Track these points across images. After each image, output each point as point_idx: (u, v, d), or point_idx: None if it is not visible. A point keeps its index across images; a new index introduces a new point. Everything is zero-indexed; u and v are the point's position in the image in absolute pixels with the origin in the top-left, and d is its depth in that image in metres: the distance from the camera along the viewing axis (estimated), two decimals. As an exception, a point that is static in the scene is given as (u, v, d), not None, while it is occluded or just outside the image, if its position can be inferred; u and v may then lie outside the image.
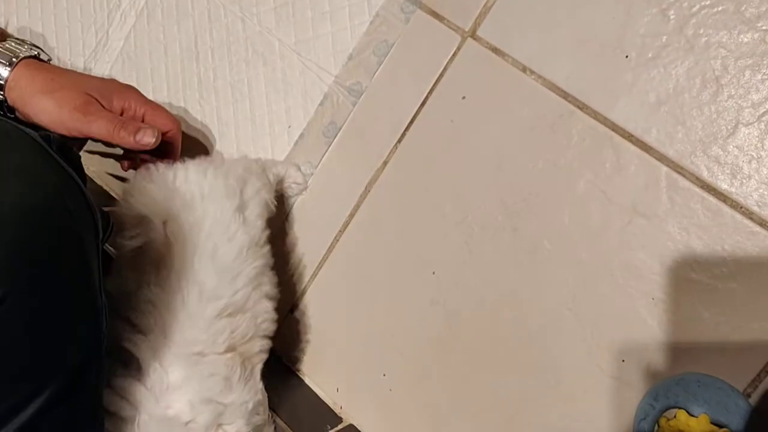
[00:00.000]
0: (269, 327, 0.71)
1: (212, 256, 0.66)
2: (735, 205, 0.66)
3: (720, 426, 0.62)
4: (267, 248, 0.73)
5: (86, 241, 0.54)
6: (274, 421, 0.74)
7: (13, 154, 0.52)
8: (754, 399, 0.64)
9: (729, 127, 0.66)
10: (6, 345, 0.48)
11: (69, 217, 0.53)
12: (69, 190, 0.54)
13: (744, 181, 0.65)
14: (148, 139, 0.71)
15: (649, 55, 0.69)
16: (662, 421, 0.65)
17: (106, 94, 0.72)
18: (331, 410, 0.82)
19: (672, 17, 0.68)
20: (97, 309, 0.56)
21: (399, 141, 0.80)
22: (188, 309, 0.64)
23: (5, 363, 0.48)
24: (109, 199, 0.94)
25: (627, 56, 0.70)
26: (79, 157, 0.63)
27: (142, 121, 0.74)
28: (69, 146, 0.60)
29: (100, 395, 0.59)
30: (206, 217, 0.67)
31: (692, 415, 0.64)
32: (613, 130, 0.70)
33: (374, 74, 0.81)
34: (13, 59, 0.69)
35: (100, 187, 0.95)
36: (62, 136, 0.66)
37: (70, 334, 0.53)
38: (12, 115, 0.70)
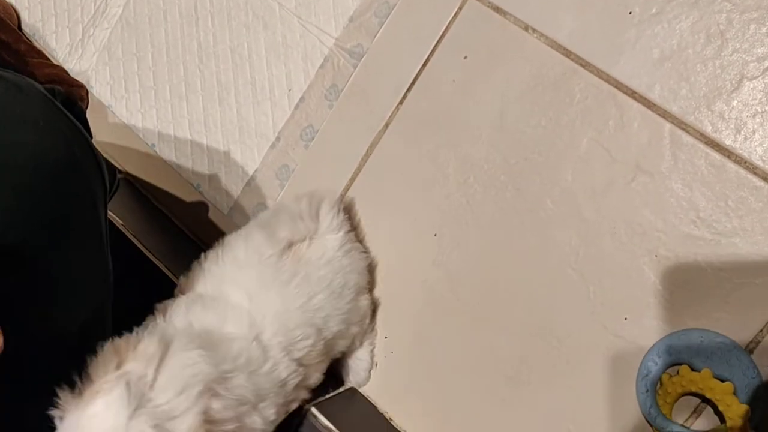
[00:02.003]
0: None
1: None
2: (739, 161, 0.65)
3: (723, 380, 0.62)
4: None
5: (96, 193, 0.54)
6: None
7: (25, 105, 0.51)
8: (756, 353, 0.64)
9: (733, 82, 0.65)
10: (21, 293, 0.47)
11: (80, 167, 0.53)
12: (78, 142, 0.54)
13: (748, 136, 0.65)
14: None
15: (653, 10, 0.68)
16: (665, 377, 0.65)
17: None
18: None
19: (676, -28, 0.67)
20: (105, 259, 0.56)
21: (400, 103, 0.79)
22: None
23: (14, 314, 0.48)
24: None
25: (630, 12, 0.69)
26: (84, 111, 0.62)
27: None
28: (74, 100, 0.59)
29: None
30: None
31: (695, 370, 0.64)
32: (616, 87, 0.70)
33: (375, 36, 0.80)
34: None
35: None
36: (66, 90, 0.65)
37: (81, 283, 0.53)
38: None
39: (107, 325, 0.58)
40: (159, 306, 0.62)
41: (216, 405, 0.52)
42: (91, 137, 0.57)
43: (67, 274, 0.51)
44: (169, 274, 0.78)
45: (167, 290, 0.77)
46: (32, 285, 0.48)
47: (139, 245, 0.80)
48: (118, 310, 0.63)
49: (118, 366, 0.49)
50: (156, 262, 0.78)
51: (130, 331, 0.56)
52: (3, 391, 0.48)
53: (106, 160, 0.57)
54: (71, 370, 0.49)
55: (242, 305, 0.61)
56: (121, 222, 0.81)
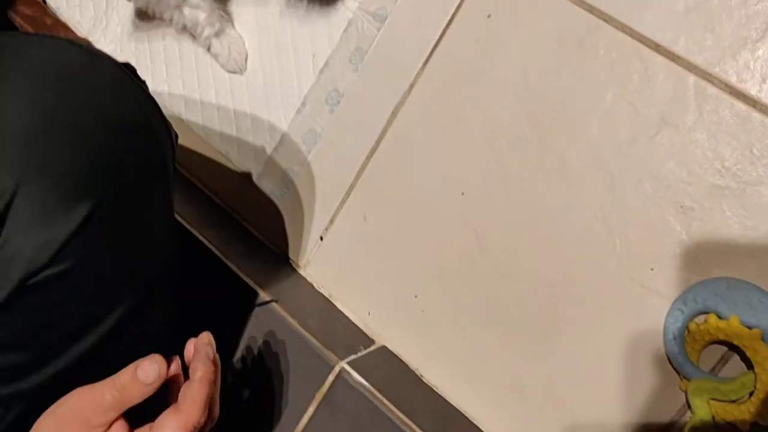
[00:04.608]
0: None
1: None
2: (765, 110, 0.66)
3: (750, 327, 0.63)
4: None
5: (167, 157, 0.56)
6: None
7: (102, 72, 0.52)
8: (784, 300, 0.64)
9: (759, 32, 0.66)
10: (90, 258, 0.49)
11: (153, 133, 0.54)
12: (150, 108, 0.55)
13: (774, 85, 0.65)
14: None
15: (677, -37, 0.69)
16: (692, 325, 0.66)
17: None
18: (363, 333, 0.84)
19: (699, -76, 0.67)
20: (174, 225, 0.57)
21: (425, 64, 0.80)
22: None
23: (87, 276, 0.49)
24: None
25: (654, -34, 0.69)
26: (146, 85, 0.63)
27: None
28: (138, 76, 0.61)
29: (172, 309, 0.61)
30: None
31: (722, 318, 0.65)
32: (640, 41, 0.70)
33: (398, -2, 0.81)
34: None
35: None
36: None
37: (152, 249, 0.54)
38: None
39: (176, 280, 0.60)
40: None
41: None
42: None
43: (148, 237, 0.53)
44: (205, 242, 0.80)
45: (203, 259, 0.79)
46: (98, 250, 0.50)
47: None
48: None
49: None
50: (191, 229, 0.80)
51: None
52: None
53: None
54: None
55: None
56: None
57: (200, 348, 0.52)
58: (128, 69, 0.57)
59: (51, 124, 0.47)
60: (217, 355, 0.53)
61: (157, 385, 0.46)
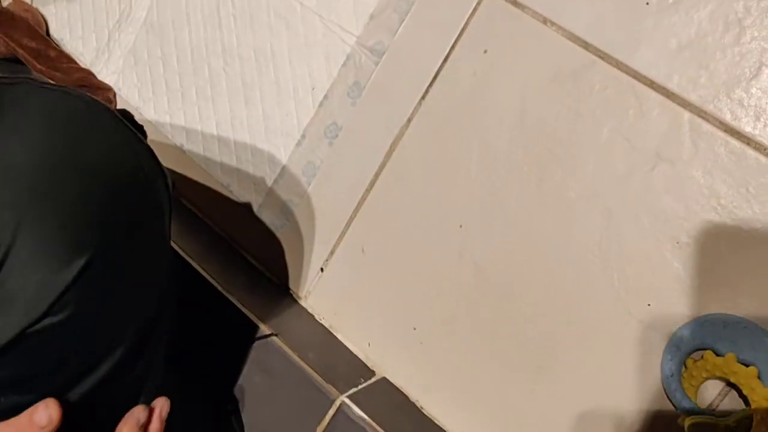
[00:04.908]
0: None
1: None
2: (759, 147, 0.66)
3: (747, 365, 0.64)
4: None
5: (163, 204, 0.56)
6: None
7: (94, 117, 0.53)
8: (780, 337, 0.65)
9: (752, 70, 0.66)
10: (89, 307, 0.50)
11: (150, 182, 0.55)
12: (146, 156, 0.56)
13: (767, 122, 0.66)
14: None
15: (670, 0, 0.69)
16: (689, 362, 0.67)
17: None
18: (364, 364, 0.84)
19: (693, -38, 0.68)
20: (170, 270, 0.58)
21: (423, 98, 0.81)
22: None
23: (87, 324, 0.50)
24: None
25: (647, 2, 0.70)
26: (144, 130, 0.64)
27: None
28: (131, 116, 0.61)
29: (163, 346, 0.61)
30: None
31: (719, 355, 0.65)
32: (635, 78, 0.71)
33: (396, 33, 0.82)
34: None
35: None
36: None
37: (149, 292, 0.55)
38: None
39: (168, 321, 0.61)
40: None
41: None
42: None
43: (135, 286, 0.54)
44: (206, 275, 0.80)
45: (204, 292, 0.80)
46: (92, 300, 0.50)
47: (175, 246, 0.82)
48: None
49: None
50: (191, 261, 0.81)
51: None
52: None
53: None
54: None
55: None
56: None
57: (132, 413, 0.53)
58: (125, 116, 0.58)
59: (56, 171, 0.48)
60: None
61: (50, 428, 0.47)
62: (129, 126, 0.56)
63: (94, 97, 0.57)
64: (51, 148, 0.49)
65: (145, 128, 0.63)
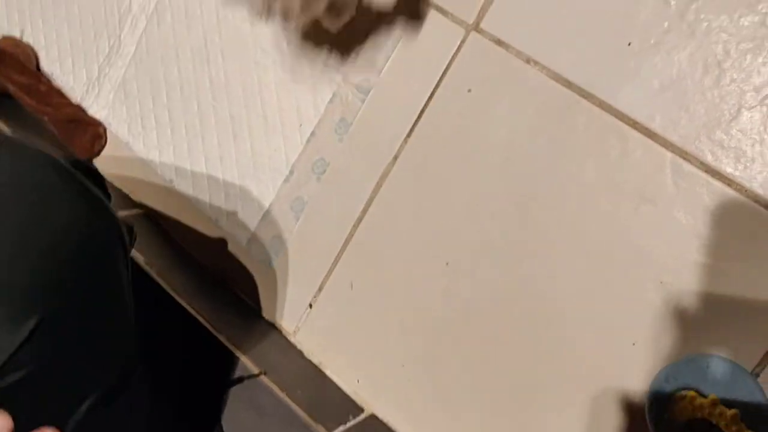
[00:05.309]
0: None
1: None
2: (740, 189, 0.66)
3: (730, 406, 0.64)
4: None
5: (118, 260, 0.57)
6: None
7: (42, 176, 0.53)
8: (763, 378, 0.65)
9: (732, 111, 0.67)
10: (44, 367, 0.50)
11: (99, 238, 0.55)
12: (97, 211, 0.56)
13: (748, 164, 0.66)
14: None
15: (652, 41, 0.70)
16: (672, 402, 0.67)
17: None
18: (353, 401, 0.84)
19: (673, 3, 0.69)
20: (130, 323, 0.58)
21: (408, 135, 0.81)
22: None
23: (46, 382, 0.51)
24: (127, 200, 0.97)
25: (629, 43, 0.70)
26: (103, 177, 0.65)
27: None
28: (93, 168, 0.62)
29: (141, 398, 0.62)
30: None
31: (702, 396, 0.65)
32: (618, 117, 0.71)
33: (382, 70, 0.82)
34: None
35: (120, 190, 0.98)
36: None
37: (105, 352, 0.55)
38: None
39: (135, 374, 0.61)
40: None
41: None
42: (110, 200, 0.60)
43: (91, 343, 0.54)
44: (193, 312, 0.81)
45: (192, 329, 0.80)
46: (55, 355, 0.51)
47: (163, 283, 0.83)
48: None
49: None
50: (179, 299, 0.81)
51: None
52: None
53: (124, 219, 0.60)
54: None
55: None
56: (145, 262, 0.83)
57: None
58: (94, 176, 0.59)
59: (8, 236, 0.49)
60: None
61: None
62: (81, 180, 0.57)
63: (43, 151, 0.57)
64: (5, 215, 0.49)
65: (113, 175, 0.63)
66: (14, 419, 0.50)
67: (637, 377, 0.70)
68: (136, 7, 0.98)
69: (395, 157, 0.82)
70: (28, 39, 1.06)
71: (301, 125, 0.87)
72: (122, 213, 0.89)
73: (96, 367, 0.55)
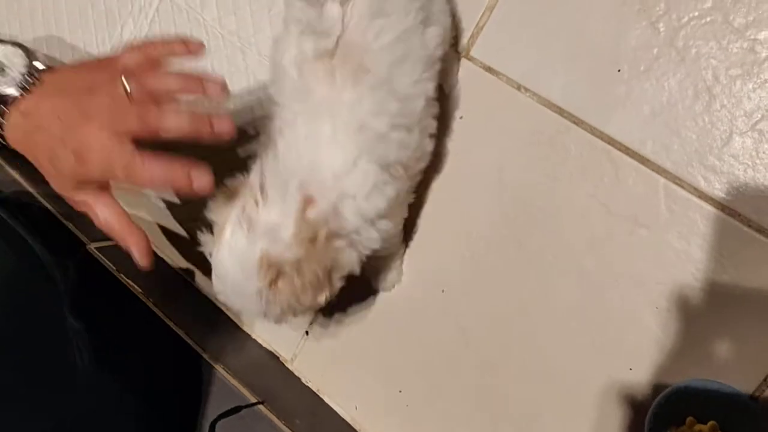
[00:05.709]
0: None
1: None
2: (732, 213, 0.67)
3: (729, 431, 0.64)
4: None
5: (49, 312, 0.56)
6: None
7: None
8: (761, 403, 0.65)
9: (723, 137, 0.67)
10: None
11: (29, 294, 0.54)
12: (27, 263, 0.55)
13: (741, 189, 0.66)
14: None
15: (641, 68, 0.70)
16: (672, 428, 0.67)
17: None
18: (351, 427, 0.84)
19: (662, 30, 0.69)
20: (69, 366, 0.58)
21: (402, 162, 0.81)
22: None
23: None
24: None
25: (619, 70, 0.71)
26: (39, 208, 0.63)
27: None
28: (25, 201, 0.61)
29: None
30: None
31: (700, 422, 0.65)
32: (609, 143, 0.71)
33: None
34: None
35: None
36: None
37: (39, 402, 0.55)
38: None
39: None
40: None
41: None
42: (48, 226, 0.59)
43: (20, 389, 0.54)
44: (192, 342, 0.81)
45: (187, 357, 0.80)
46: None
47: (159, 312, 0.82)
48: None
49: (233, 200, 0.58)
50: (174, 326, 0.81)
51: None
52: None
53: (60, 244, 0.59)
54: None
55: None
56: (140, 291, 0.83)
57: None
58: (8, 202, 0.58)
59: None
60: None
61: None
62: (11, 226, 0.56)
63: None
64: None
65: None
66: None
67: (634, 403, 0.70)
68: (127, 37, 0.98)
69: (389, 184, 0.82)
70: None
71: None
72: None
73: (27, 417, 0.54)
